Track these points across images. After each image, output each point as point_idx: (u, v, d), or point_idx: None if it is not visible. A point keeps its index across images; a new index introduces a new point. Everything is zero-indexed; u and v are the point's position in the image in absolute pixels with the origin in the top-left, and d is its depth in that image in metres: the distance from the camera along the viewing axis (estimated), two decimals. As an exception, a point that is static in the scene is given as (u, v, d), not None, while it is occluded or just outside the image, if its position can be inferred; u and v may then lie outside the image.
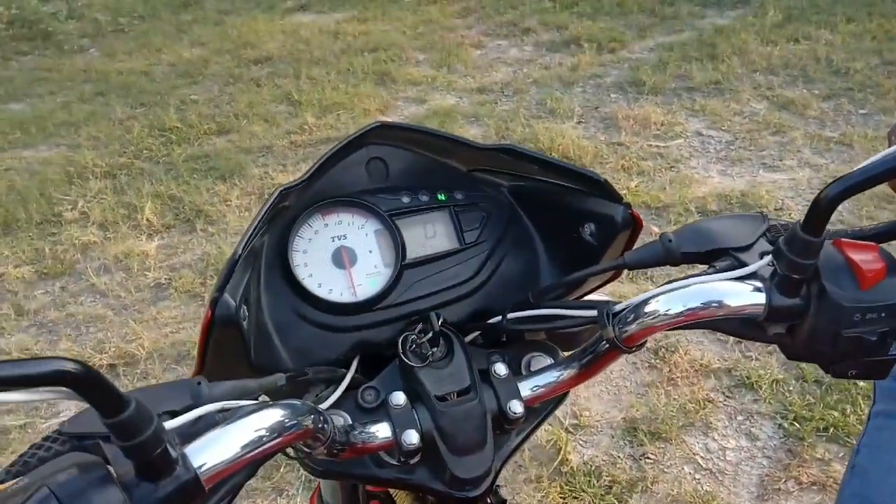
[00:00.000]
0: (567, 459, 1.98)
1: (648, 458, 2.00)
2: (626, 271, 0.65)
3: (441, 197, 0.74)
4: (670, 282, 0.55)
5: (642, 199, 3.05)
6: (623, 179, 3.23)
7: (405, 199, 0.73)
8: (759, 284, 0.52)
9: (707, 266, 0.57)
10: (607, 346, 0.60)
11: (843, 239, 0.52)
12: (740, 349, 2.33)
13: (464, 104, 4.20)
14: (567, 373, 0.64)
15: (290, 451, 0.55)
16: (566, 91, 4.24)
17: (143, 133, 4.02)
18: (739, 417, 2.11)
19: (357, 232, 0.71)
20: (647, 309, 0.55)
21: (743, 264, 0.54)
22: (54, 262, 2.93)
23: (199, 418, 0.44)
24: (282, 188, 0.61)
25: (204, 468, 0.41)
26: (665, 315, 0.54)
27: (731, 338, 2.40)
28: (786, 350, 0.55)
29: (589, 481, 1.92)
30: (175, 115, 4.20)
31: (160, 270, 2.86)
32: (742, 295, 0.52)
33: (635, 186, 3.17)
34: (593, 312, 0.59)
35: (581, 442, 2.06)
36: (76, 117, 4.31)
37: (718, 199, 3.05)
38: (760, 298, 0.52)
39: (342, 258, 0.70)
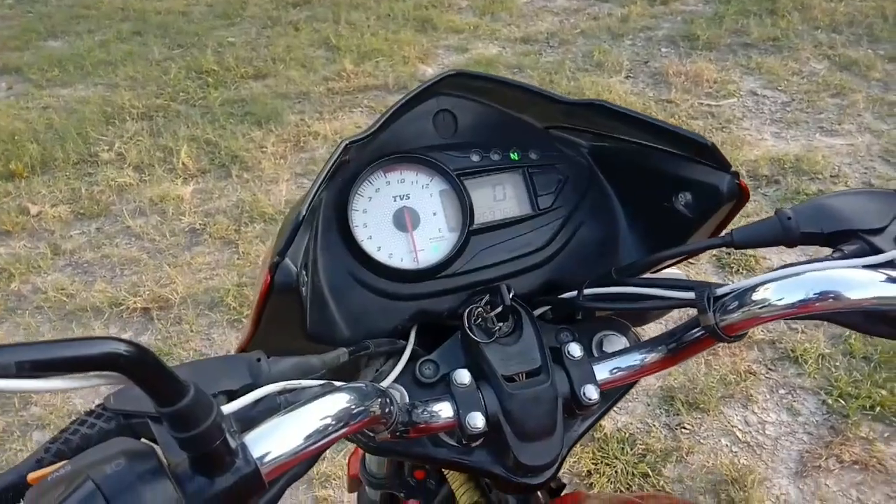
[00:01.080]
0: (600, 426, 1.94)
1: (685, 428, 1.95)
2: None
3: (514, 156, 0.67)
4: (786, 266, 0.48)
5: (690, 160, 2.93)
6: (670, 139, 3.10)
7: (475, 158, 0.66)
8: (894, 274, 0.45)
9: (831, 250, 0.50)
10: (702, 333, 0.53)
11: None
12: (785, 320, 2.24)
13: (507, 54, 4.05)
14: (650, 357, 0.58)
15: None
16: (615, 43, 4.07)
17: (181, 75, 3.96)
18: (781, 391, 2.04)
19: (421, 192, 0.65)
20: (756, 296, 0.48)
21: (876, 250, 0.47)
22: (90, 203, 2.93)
23: (259, 400, 0.39)
24: (346, 141, 0.55)
25: (265, 460, 0.36)
26: (777, 304, 0.47)
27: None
28: None
29: (622, 448, 1.88)
30: (212, 57, 4.13)
31: (195, 215, 2.84)
32: (872, 285, 0.45)
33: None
34: (690, 295, 0.52)
35: (616, 409, 2.02)
36: (114, 56, 4.27)
37: (771, 164, 2.92)
38: (895, 291, 0.45)
39: (404, 220, 0.64)
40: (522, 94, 0.63)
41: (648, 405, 2.03)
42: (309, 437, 0.38)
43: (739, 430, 1.94)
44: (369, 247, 0.62)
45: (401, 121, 0.65)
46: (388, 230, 0.63)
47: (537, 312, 0.66)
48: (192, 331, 2.30)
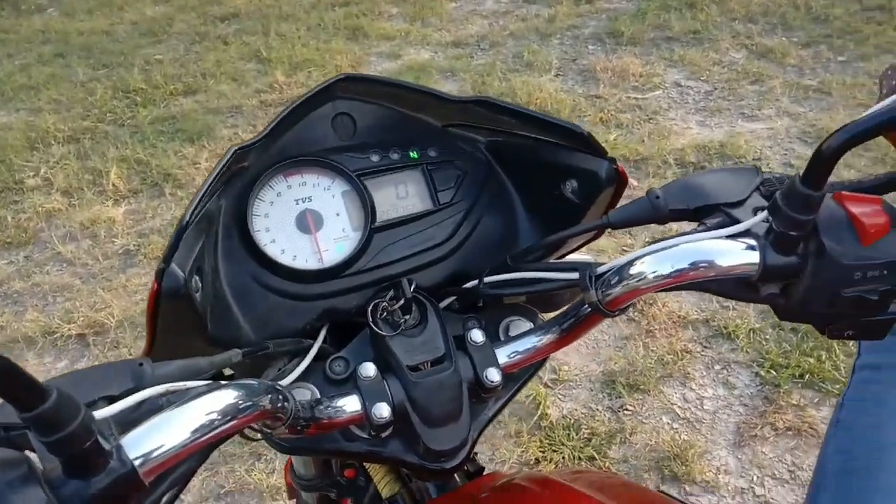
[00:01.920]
0: (546, 414, 1.98)
1: (627, 409, 2.01)
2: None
3: (413, 155, 0.69)
4: (657, 241, 0.51)
5: (621, 151, 3.01)
6: (602, 132, 3.18)
7: (374, 158, 0.68)
8: (752, 242, 0.49)
9: (697, 224, 0.53)
10: (589, 310, 0.56)
11: (843, 192, 0.48)
12: (718, 300, 2.33)
13: (439, 59, 4.09)
14: (546, 338, 0.60)
15: (247, 432, 0.51)
16: (543, 43, 4.15)
17: (107, 95, 3.87)
18: (717, 367, 2.12)
19: (323, 194, 0.66)
20: (633, 271, 0.51)
21: (735, 221, 0.50)
22: (17, 231, 2.83)
23: (141, 403, 0.40)
24: (236, 147, 0.56)
25: (143, 460, 0.37)
26: (652, 277, 0.50)
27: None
28: (779, 311, 0.52)
29: (568, 434, 1.92)
30: (139, 75, 4.05)
31: (128, 237, 2.78)
32: (734, 254, 0.49)
33: (614, 139, 3.12)
34: (575, 275, 0.55)
35: (560, 396, 2.06)
36: (36, 80, 4.14)
37: (697, 151, 3.02)
38: (754, 257, 0.48)
39: (307, 222, 0.65)
40: (416, 94, 0.65)
41: (591, 390, 2.08)
42: (194, 432, 0.39)
43: (679, 407, 2.01)
44: (273, 250, 0.63)
45: (299, 126, 0.66)
46: (291, 233, 0.64)
47: (444, 304, 0.68)
48: (130, 354, 2.25)
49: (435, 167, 0.69)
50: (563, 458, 1.85)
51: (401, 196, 0.68)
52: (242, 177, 0.63)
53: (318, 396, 0.59)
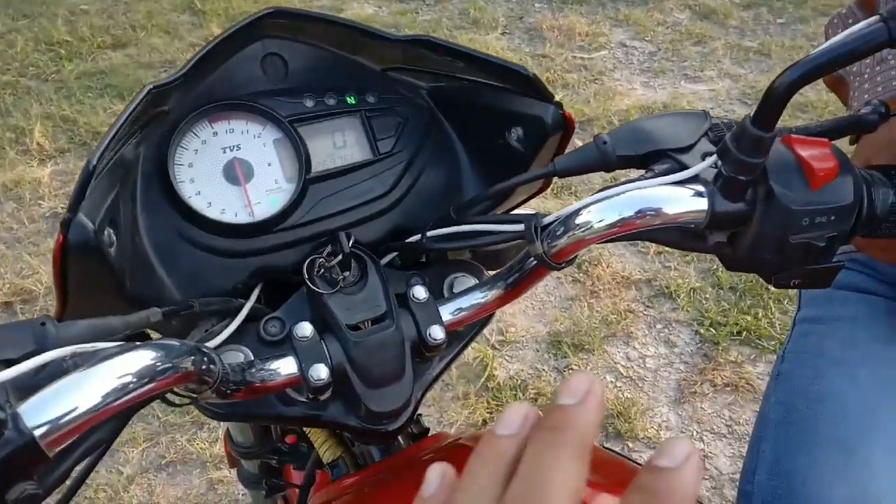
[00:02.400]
0: (493, 375, 1.99)
1: (572, 369, 2.03)
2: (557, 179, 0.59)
3: (350, 100, 0.65)
4: (604, 188, 0.49)
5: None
6: (548, 93, 3.16)
7: (308, 103, 0.63)
8: (700, 189, 0.47)
9: (645, 171, 0.51)
10: (535, 262, 0.54)
11: (792, 135, 0.47)
12: (660, 260, 2.37)
13: (383, 13, 3.97)
14: (492, 294, 0.58)
15: (171, 397, 0.47)
16: (490, 0, 4.08)
17: (28, 48, 3.62)
18: (658, 326, 2.16)
19: (253, 141, 0.61)
20: (579, 220, 0.49)
21: (683, 167, 0.49)
22: (-67, 193, 2.65)
23: (44, 367, 0.36)
24: (150, 86, 0.50)
25: (45, 429, 0.33)
26: (598, 226, 0.48)
27: (652, 249, 2.45)
28: (726, 261, 0.51)
29: (515, 395, 1.94)
30: (64, 27, 3.79)
31: (56, 199, 2.63)
32: (682, 201, 0.47)
33: (560, 99, 3.10)
34: (520, 227, 0.52)
35: (507, 357, 2.07)
36: (-54, 29, 3.84)
37: (641, 111, 3.03)
38: (702, 204, 0.47)
39: (236, 172, 0.60)
40: (352, 32, 0.60)
41: (538, 351, 2.09)
42: (105, 396, 0.35)
43: (622, 365, 2.04)
44: (198, 203, 0.58)
45: (225, 66, 0.60)
46: (218, 184, 0.59)
47: (385, 260, 0.64)
48: (60, 321, 2.15)
49: (374, 114, 0.65)
50: (510, 416, 1.86)
51: (338, 145, 0.64)
52: (163, 123, 0.58)
53: (252, 359, 0.55)
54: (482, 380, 1.97)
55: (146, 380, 0.37)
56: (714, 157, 0.47)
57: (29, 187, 2.67)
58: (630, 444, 1.83)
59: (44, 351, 0.36)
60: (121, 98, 3.18)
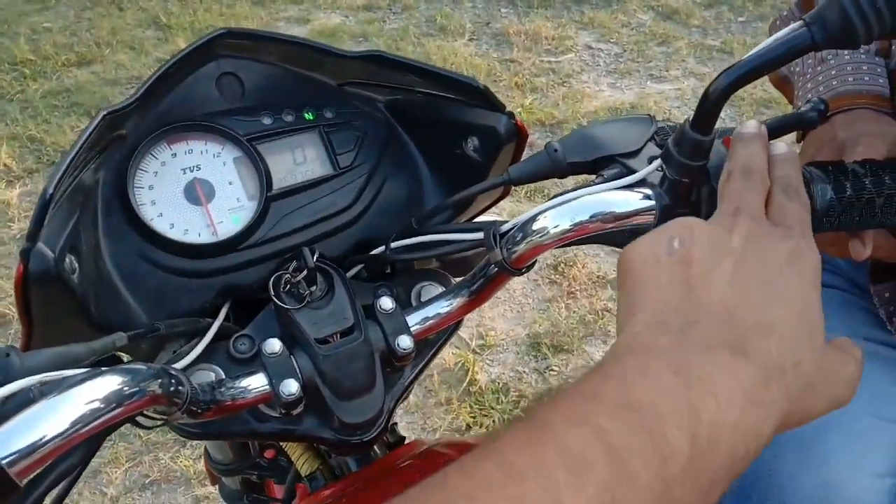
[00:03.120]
0: (475, 380, 2.00)
1: (552, 370, 2.05)
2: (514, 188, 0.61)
3: (308, 116, 0.66)
4: (557, 195, 0.51)
5: (537, 116, 3.04)
6: (517, 97, 3.19)
7: (266, 121, 0.64)
8: (648, 192, 0.49)
9: (595, 176, 0.53)
10: (496, 269, 0.55)
11: (731, 136, 0.48)
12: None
13: (350, 23, 3.98)
14: (457, 301, 0.59)
15: (142, 420, 0.48)
16: (456, 7, 4.10)
17: (-10, 68, 3.57)
18: (635, 324, 2.19)
19: (213, 161, 0.62)
20: (535, 226, 0.50)
21: (631, 171, 0.50)
22: None
23: (9, 398, 0.36)
24: (104, 111, 0.51)
25: (14, 458, 0.33)
26: (553, 231, 0.50)
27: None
28: None
29: (497, 398, 1.95)
30: (27, 45, 3.74)
31: (25, 220, 2.59)
32: (631, 203, 0.49)
33: (529, 104, 3.14)
34: (480, 235, 0.54)
35: (488, 361, 2.09)
36: None
37: (610, 112, 3.08)
38: (651, 206, 0.49)
39: (197, 192, 0.61)
40: (303, 51, 0.61)
41: (518, 353, 2.11)
42: (70, 424, 0.36)
43: (600, 364, 2.06)
44: (160, 225, 0.58)
45: (180, 87, 0.61)
46: (180, 205, 0.60)
47: (352, 272, 0.65)
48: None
49: (332, 129, 0.66)
50: (494, 421, 1.88)
51: (298, 161, 0.65)
52: (121, 146, 0.58)
53: (222, 377, 0.56)
54: (464, 384, 1.98)
55: (114, 405, 0.38)
56: (658, 160, 0.48)
57: (-3, 210, 2.64)
58: (610, 442, 1.85)
59: (9, 381, 0.37)
60: (88, 116, 3.15)
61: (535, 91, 3.27)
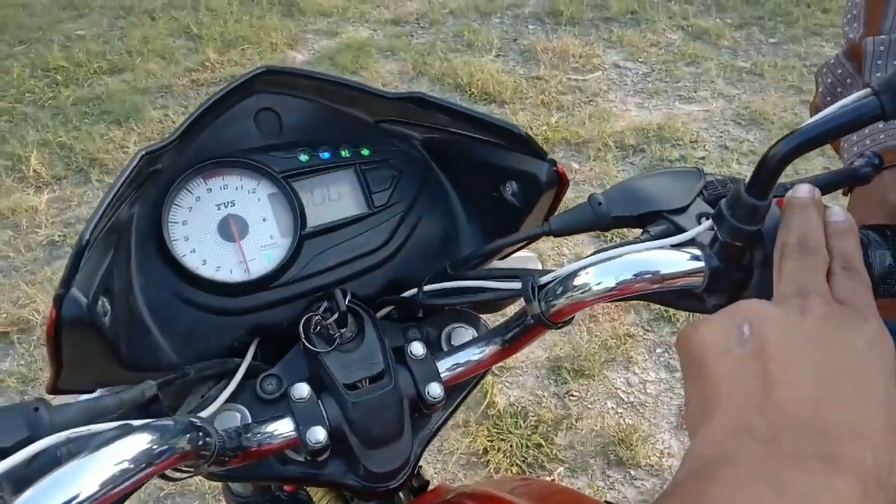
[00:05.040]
0: (494, 402, 1.97)
1: (572, 395, 2.02)
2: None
3: (345, 153, 0.65)
4: (601, 250, 0.49)
5: (562, 135, 3.02)
6: (543, 115, 3.18)
7: (303, 158, 0.63)
8: (697, 252, 0.47)
9: (641, 231, 0.51)
10: (532, 321, 0.54)
11: (784, 199, 0.47)
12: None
13: (378, 37, 4.00)
14: (489, 349, 0.58)
15: (170, 472, 0.47)
16: (484, 22, 4.11)
17: (25, 74, 3.63)
18: (658, 350, 2.16)
19: (247, 197, 0.61)
20: (577, 282, 0.49)
21: (680, 229, 0.49)
22: (-72, 222, 2.64)
23: (37, 456, 0.35)
24: (143, 151, 0.50)
25: None
26: (596, 288, 0.48)
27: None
28: None
29: (515, 423, 1.92)
30: (60, 53, 3.81)
31: (53, 226, 2.63)
32: (679, 264, 0.47)
33: (555, 122, 3.12)
34: (517, 285, 0.52)
35: (507, 384, 2.06)
36: (-57, 57, 3.85)
37: (636, 133, 3.05)
38: (700, 268, 0.47)
39: (230, 228, 0.60)
40: (344, 89, 0.60)
41: (538, 377, 2.08)
42: (99, 486, 0.35)
43: (623, 391, 2.03)
44: (192, 262, 0.58)
45: (218, 122, 0.60)
46: (213, 241, 0.59)
47: (382, 313, 0.64)
48: (56, 352, 2.13)
49: (369, 167, 0.65)
50: (511, 446, 1.85)
51: (332, 199, 0.64)
52: (157, 181, 0.58)
53: (249, 420, 0.55)
54: (482, 407, 1.96)
55: (143, 464, 0.37)
56: (710, 221, 0.47)
57: (26, 215, 2.67)
58: (632, 472, 1.81)
59: (37, 438, 0.36)
60: (117, 124, 3.19)
61: (561, 109, 3.25)
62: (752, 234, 0.44)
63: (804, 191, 0.44)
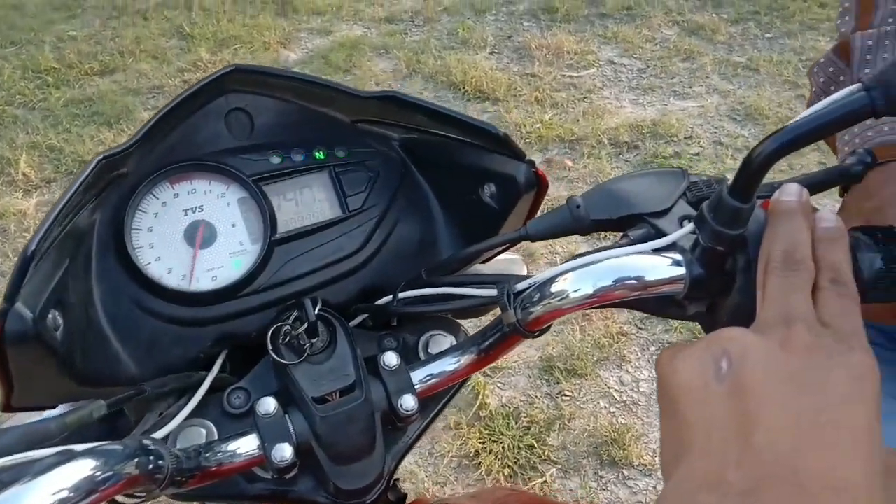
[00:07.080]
0: (485, 404, 1.95)
1: (565, 395, 2.00)
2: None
3: (319, 155, 0.62)
4: (580, 255, 0.47)
5: (556, 132, 3.00)
6: (537, 112, 3.15)
7: (274, 160, 0.61)
8: (678, 257, 0.45)
9: (620, 235, 0.49)
10: (509, 330, 0.51)
11: (770, 201, 0.44)
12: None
13: (372, 35, 3.97)
14: (465, 359, 0.55)
15: (120, 498, 0.44)
16: (478, 20, 4.08)
17: (16, 76, 3.60)
18: (652, 348, 2.14)
19: (216, 202, 0.59)
20: (554, 289, 0.46)
21: (660, 233, 0.46)
22: (-84, 226, 2.61)
23: (-31, 486, 0.33)
24: (101, 156, 0.48)
25: None
26: (574, 296, 0.46)
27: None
28: (706, 328, 0.49)
29: (507, 424, 1.90)
30: (51, 54, 3.78)
31: (42, 229, 2.60)
32: (659, 270, 0.44)
33: (549, 119, 3.10)
34: (493, 292, 0.50)
35: (499, 385, 2.04)
36: (-67, 58, 3.82)
37: (631, 130, 3.03)
38: (681, 273, 0.44)
39: (197, 235, 0.57)
40: (316, 88, 0.58)
41: (530, 377, 2.06)
42: None
43: (616, 390, 2.01)
44: (156, 270, 0.55)
45: (187, 124, 0.58)
46: (179, 249, 0.57)
47: (356, 322, 0.62)
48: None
49: (343, 169, 0.63)
50: (503, 447, 1.83)
51: (305, 203, 0.61)
52: (120, 185, 0.55)
53: (215, 436, 0.52)
54: (474, 408, 1.94)
55: (84, 493, 0.35)
56: (691, 225, 0.44)
57: (14, 219, 2.64)
58: (625, 472, 1.79)
59: (-30, 467, 0.33)
60: (108, 126, 3.16)
61: (555, 106, 3.22)
62: (734, 238, 0.42)
63: (791, 193, 0.41)
